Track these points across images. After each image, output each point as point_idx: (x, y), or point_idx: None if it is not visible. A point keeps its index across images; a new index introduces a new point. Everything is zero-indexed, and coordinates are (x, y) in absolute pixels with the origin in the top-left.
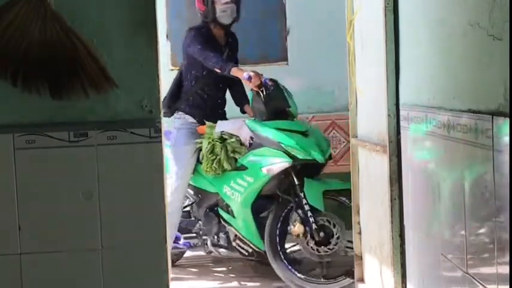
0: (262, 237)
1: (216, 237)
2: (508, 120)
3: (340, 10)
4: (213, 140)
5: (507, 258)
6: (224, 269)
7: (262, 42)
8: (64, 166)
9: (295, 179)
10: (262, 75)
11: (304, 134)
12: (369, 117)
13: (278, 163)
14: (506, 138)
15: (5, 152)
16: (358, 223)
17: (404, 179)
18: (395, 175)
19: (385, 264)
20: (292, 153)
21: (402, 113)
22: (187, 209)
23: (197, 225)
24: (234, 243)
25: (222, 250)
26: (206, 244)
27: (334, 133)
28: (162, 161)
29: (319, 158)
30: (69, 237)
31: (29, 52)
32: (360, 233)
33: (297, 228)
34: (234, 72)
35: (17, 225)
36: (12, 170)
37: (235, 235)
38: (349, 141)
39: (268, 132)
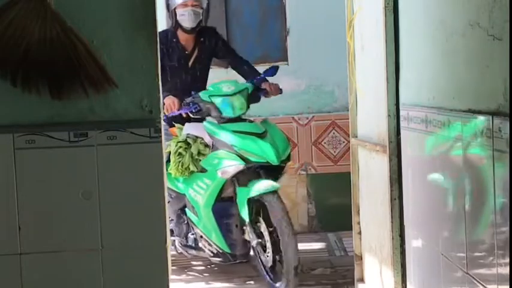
0: (226, 239)
1: (185, 238)
2: (508, 120)
3: (340, 10)
4: (178, 143)
5: (507, 259)
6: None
7: (262, 42)
8: (64, 166)
9: (236, 186)
10: (183, 100)
11: (260, 136)
12: (369, 117)
13: (232, 165)
14: (506, 138)
15: (5, 152)
16: (358, 223)
17: (404, 179)
18: (395, 175)
19: (385, 264)
20: (245, 155)
21: (402, 113)
22: None
23: (170, 225)
24: (200, 244)
25: (190, 251)
26: (175, 245)
27: (334, 133)
28: (162, 161)
29: (272, 160)
30: (69, 237)
31: (29, 52)
32: (360, 233)
33: None
34: (166, 101)
35: (17, 225)
36: (12, 170)
37: (201, 236)
38: (349, 141)
39: (222, 135)
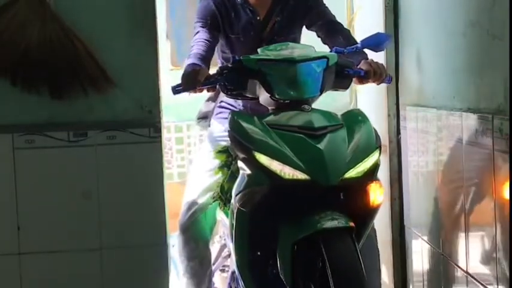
0: None
1: None
2: (508, 120)
3: (340, 10)
4: (218, 153)
5: (507, 258)
6: None
7: None
8: (64, 166)
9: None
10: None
11: (315, 134)
12: (369, 117)
13: (248, 190)
14: (506, 138)
15: (4, 152)
16: None
17: (404, 179)
18: (395, 175)
19: (385, 264)
20: (273, 169)
21: (402, 113)
22: None
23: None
24: None
25: None
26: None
27: None
28: (161, 161)
29: (317, 177)
30: (69, 237)
31: (28, 52)
32: None
33: None
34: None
35: (17, 225)
36: (12, 170)
37: None
38: None
39: (247, 130)
